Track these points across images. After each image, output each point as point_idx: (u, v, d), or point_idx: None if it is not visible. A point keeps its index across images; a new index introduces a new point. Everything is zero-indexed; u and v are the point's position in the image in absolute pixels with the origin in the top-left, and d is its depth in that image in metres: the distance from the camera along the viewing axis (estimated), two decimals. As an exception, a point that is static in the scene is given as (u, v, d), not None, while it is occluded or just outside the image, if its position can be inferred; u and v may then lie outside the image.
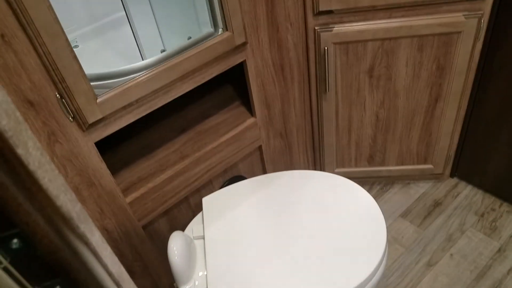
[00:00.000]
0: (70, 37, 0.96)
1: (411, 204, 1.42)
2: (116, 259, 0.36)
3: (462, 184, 1.45)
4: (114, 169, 1.06)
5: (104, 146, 1.14)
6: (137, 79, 0.83)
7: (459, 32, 1.06)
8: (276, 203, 0.90)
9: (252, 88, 1.08)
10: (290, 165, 1.38)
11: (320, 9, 1.06)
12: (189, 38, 0.97)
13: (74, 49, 0.84)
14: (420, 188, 1.47)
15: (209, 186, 1.16)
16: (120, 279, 0.36)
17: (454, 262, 1.22)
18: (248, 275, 0.77)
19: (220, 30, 0.93)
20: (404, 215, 1.39)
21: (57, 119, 0.77)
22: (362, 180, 1.53)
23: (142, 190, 0.99)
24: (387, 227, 1.33)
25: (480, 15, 1.03)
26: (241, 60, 1.01)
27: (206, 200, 0.95)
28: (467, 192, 1.42)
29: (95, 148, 0.85)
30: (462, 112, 1.27)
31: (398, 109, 1.26)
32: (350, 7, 1.05)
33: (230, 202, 0.93)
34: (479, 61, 1.15)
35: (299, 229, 0.84)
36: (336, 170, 1.47)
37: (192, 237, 0.90)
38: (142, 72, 0.83)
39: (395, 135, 1.33)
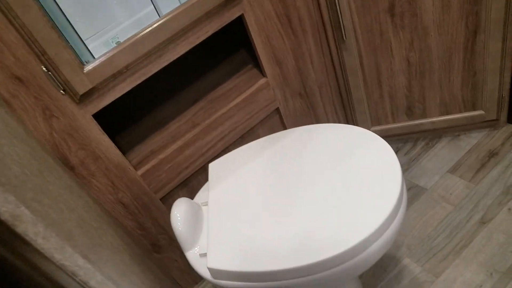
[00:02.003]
0: (111, 33, 0.97)
1: (462, 157, 1.26)
2: None
3: (524, 129, 1.25)
4: (130, 145, 1.06)
5: (121, 124, 1.15)
6: (121, 45, 0.80)
7: None
8: (284, 160, 0.84)
9: (257, 45, 1.01)
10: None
11: None
12: None
13: (115, 44, 0.85)
14: (472, 139, 1.29)
15: (228, 155, 1.12)
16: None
17: (514, 217, 1.06)
18: (251, 234, 0.72)
19: (209, -16, 0.88)
20: (453, 170, 1.23)
21: (48, 93, 0.77)
22: (404, 138, 1.39)
23: (153, 162, 0.98)
24: (432, 185, 1.20)
25: None
26: (238, 14, 0.94)
27: (212, 165, 0.91)
28: (530, 137, 1.22)
29: (94, 120, 0.85)
30: (510, 43, 1.08)
31: (431, 49, 1.11)
32: None
33: (236, 165, 0.88)
34: (523, -25, 0.96)
35: (306, 184, 0.77)
36: (372, 128, 1.35)
37: (200, 204, 0.87)
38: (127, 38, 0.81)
39: (433, 80, 1.18)
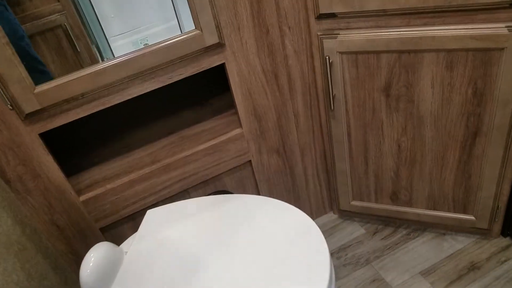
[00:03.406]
0: (141, 35, 0.97)
1: (440, 261, 1.14)
2: None
3: (516, 247, 1.12)
4: (87, 166, 1.03)
5: (90, 143, 1.13)
6: (80, 72, 0.78)
7: (502, 49, 0.81)
8: (214, 233, 0.77)
9: (236, 95, 0.96)
10: (293, 188, 1.21)
11: (321, 12, 0.90)
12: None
13: (143, 45, 0.84)
14: (458, 243, 1.17)
15: (186, 197, 1.07)
16: None
17: None
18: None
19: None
20: (427, 273, 1.11)
21: (-5, 105, 0.75)
22: (385, 220, 1.28)
23: (99, 190, 0.94)
24: (398, 285, 1.09)
25: (533, 26, 0.77)
26: (219, 62, 0.90)
27: (150, 213, 0.86)
28: (520, 259, 1.09)
29: (40, 139, 0.82)
30: (514, 155, 0.97)
31: (425, 140, 1.01)
32: (355, 10, 0.87)
33: (170, 221, 0.82)
34: (535, 89, 0.86)
35: (227, 264, 0.70)
36: (353, 202, 1.25)
37: (124, 251, 0.81)
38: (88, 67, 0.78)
39: (423, 171, 1.08)
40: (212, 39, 0.84)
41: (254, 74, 0.95)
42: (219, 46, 0.87)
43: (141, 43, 0.97)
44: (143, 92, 0.87)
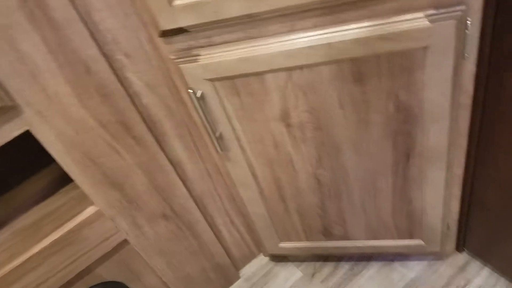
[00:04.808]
0: None
1: (392, 298, 0.93)
2: None
3: (475, 265, 0.93)
4: None
5: None
6: None
7: (425, 48, 0.55)
8: None
9: (67, 167, 0.65)
10: (200, 248, 0.93)
11: (164, 28, 0.60)
12: None
13: None
14: (409, 271, 0.96)
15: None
16: None
17: None
18: None
19: None
20: (380, 318, 0.90)
21: None
22: (322, 257, 1.05)
23: None
24: None
25: (461, 12, 0.52)
26: (18, 132, 0.57)
27: None
28: (482, 279, 0.90)
29: None
30: (459, 171, 0.75)
31: (347, 169, 0.77)
32: (211, 20, 0.57)
33: None
34: (475, 93, 0.63)
35: None
36: (281, 244, 1.00)
37: None
38: None
39: (353, 203, 0.84)
40: (-13, 104, 0.52)
41: (87, 131, 0.64)
42: (8, 110, 0.55)
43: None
44: None
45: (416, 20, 0.53)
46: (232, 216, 0.97)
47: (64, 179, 0.78)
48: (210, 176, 0.86)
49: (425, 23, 0.53)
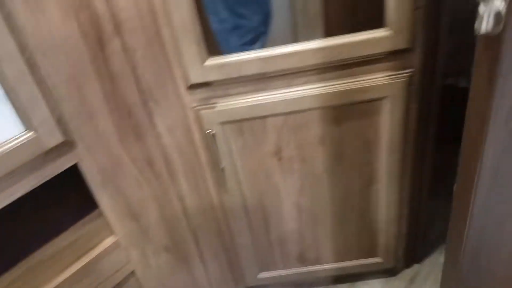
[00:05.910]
0: None
1: (359, 313, 1.08)
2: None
3: (421, 276, 1.13)
4: None
5: None
6: None
7: (382, 99, 0.79)
8: None
9: (100, 199, 0.74)
10: (193, 283, 1.01)
11: (193, 82, 0.76)
12: None
13: None
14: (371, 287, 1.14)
15: None
16: None
17: None
18: None
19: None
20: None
21: None
22: (295, 283, 1.18)
23: None
24: None
25: (410, 73, 0.76)
26: (69, 165, 0.67)
27: None
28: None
29: None
30: (407, 193, 0.98)
31: (323, 196, 0.95)
32: (232, 77, 0.75)
33: None
34: (418, 131, 0.87)
35: None
36: (260, 275, 1.11)
37: None
38: None
39: (326, 227, 1.01)
40: (53, 140, 0.61)
41: (122, 166, 0.74)
42: (66, 144, 0.65)
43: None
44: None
45: (380, 79, 0.77)
46: (218, 251, 1.07)
47: (79, 210, 0.84)
48: (205, 214, 0.98)
49: (386, 81, 0.76)
